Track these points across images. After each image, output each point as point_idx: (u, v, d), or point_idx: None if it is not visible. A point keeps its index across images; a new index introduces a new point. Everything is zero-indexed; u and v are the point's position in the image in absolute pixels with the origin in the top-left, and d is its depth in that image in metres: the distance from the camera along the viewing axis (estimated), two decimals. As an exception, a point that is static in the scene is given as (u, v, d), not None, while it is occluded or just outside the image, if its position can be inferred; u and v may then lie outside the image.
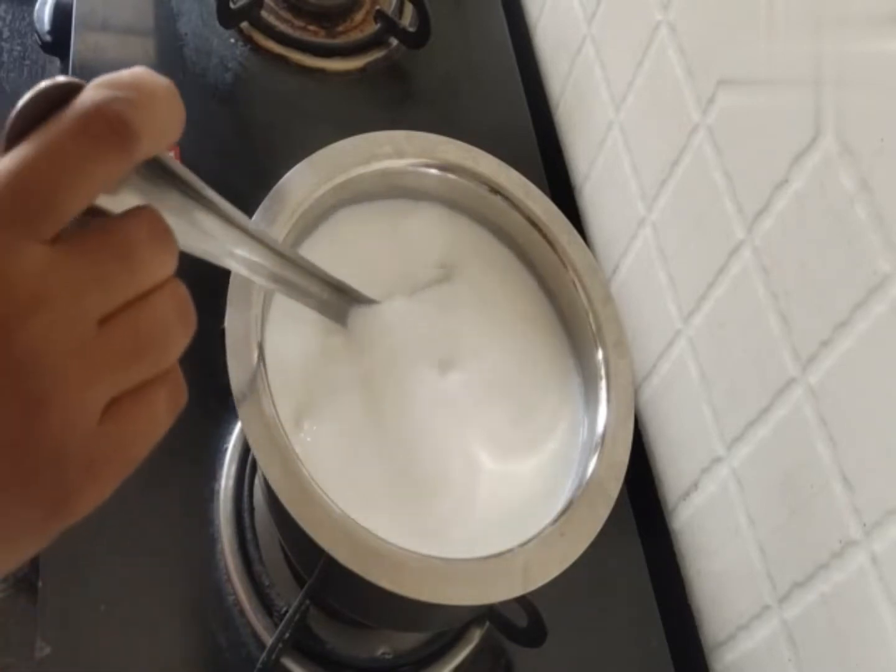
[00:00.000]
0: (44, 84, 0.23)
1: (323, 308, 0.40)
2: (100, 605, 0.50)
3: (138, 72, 0.23)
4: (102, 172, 0.22)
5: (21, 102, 0.22)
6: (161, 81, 0.24)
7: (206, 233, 0.28)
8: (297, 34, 0.76)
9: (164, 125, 0.24)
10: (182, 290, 0.26)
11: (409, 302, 0.45)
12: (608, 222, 0.72)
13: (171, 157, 0.26)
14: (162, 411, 0.25)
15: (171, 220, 0.25)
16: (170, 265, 0.25)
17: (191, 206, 0.27)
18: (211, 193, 0.27)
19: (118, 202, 0.24)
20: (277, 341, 0.41)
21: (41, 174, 0.22)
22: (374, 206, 0.47)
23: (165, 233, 0.25)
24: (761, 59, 0.52)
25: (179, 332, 0.26)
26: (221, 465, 0.57)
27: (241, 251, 0.31)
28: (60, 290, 0.22)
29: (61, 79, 0.23)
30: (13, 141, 0.22)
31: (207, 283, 0.36)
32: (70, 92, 0.23)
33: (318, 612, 0.53)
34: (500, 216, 0.48)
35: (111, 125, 0.22)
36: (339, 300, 0.42)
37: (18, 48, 0.75)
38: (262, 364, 0.38)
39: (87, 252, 0.23)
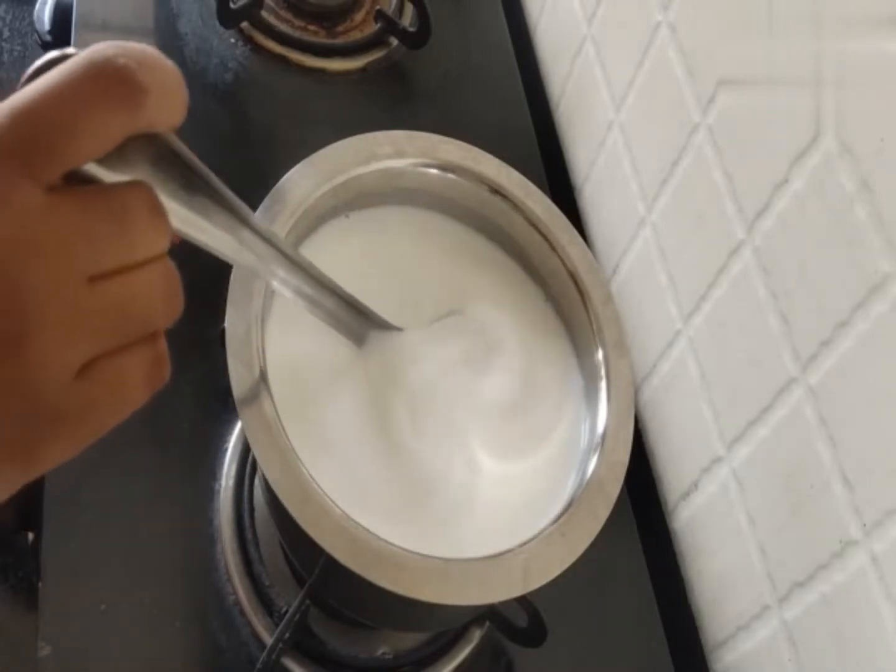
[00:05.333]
0: (58, 52, 0.23)
1: (337, 325, 0.40)
2: (100, 605, 0.50)
3: (147, 47, 0.24)
4: (107, 122, 0.22)
5: (34, 66, 0.22)
6: (168, 60, 0.24)
7: (210, 224, 0.28)
8: (297, 34, 0.76)
9: (170, 95, 0.24)
10: (172, 272, 0.26)
11: (426, 333, 0.44)
12: (608, 222, 0.72)
13: (176, 139, 0.25)
14: (139, 382, 0.25)
15: (173, 205, 0.25)
16: (161, 243, 0.25)
17: (195, 193, 0.27)
18: (217, 182, 0.27)
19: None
20: (278, 341, 0.41)
21: (48, 113, 0.21)
22: (375, 209, 0.47)
23: (159, 209, 0.25)
24: (761, 59, 0.52)
25: (162, 310, 0.25)
26: (221, 465, 0.57)
27: (247, 250, 0.30)
28: (54, 234, 0.22)
29: (73, 50, 0.23)
30: None
31: (208, 283, 0.36)
32: None
33: (318, 612, 0.53)
34: (500, 216, 0.48)
35: (120, 76, 0.22)
36: (355, 320, 0.41)
37: (18, 48, 0.75)
38: (262, 364, 0.38)
39: (84, 206, 0.22)
